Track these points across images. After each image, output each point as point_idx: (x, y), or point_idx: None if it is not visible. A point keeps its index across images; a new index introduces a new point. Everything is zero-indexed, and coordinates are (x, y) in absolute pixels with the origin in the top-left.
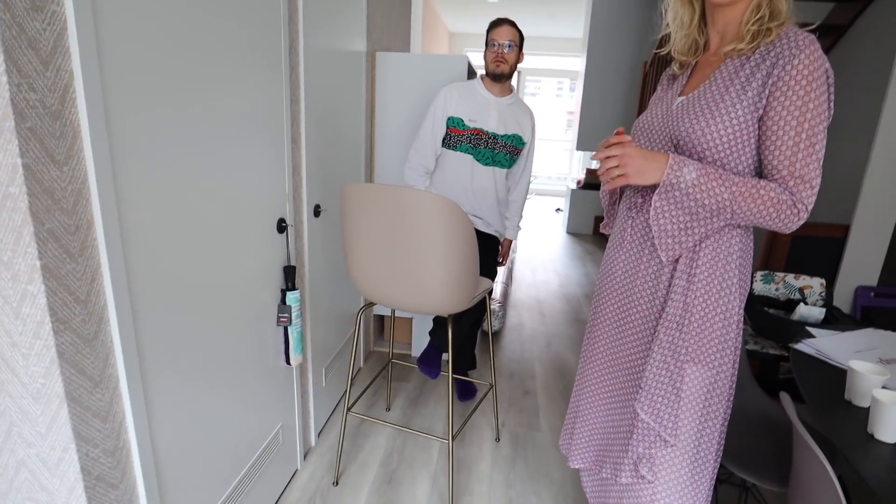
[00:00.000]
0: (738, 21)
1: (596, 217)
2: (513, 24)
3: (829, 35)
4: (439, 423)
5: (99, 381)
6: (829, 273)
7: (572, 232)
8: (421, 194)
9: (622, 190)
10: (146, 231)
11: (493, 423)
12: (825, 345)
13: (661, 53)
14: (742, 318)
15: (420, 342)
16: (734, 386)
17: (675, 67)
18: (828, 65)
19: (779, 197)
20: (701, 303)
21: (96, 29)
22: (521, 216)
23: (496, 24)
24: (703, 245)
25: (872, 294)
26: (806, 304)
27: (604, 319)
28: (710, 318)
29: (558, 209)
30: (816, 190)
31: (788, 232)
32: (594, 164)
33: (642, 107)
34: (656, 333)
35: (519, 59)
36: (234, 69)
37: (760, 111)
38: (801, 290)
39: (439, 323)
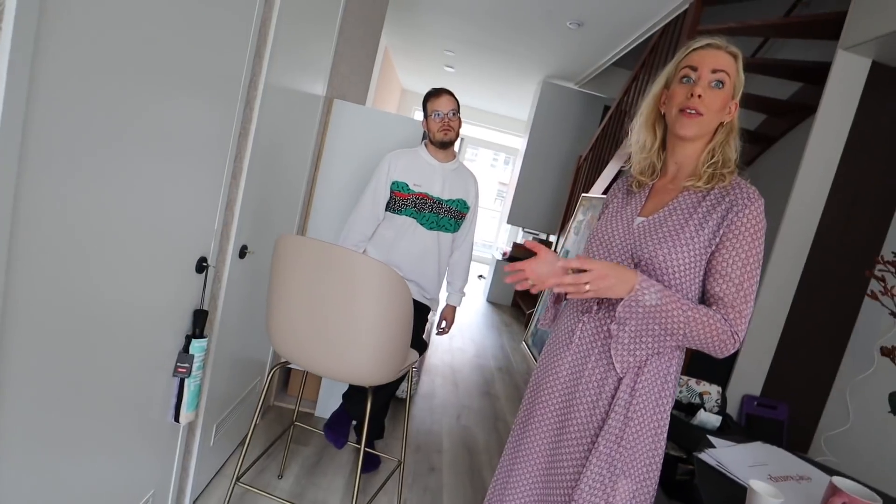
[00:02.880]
0: (695, 157)
1: (516, 291)
2: (451, 94)
3: (759, 142)
4: (335, 497)
5: None
6: (722, 379)
7: (492, 301)
8: (362, 258)
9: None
10: (36, 251)
11: (395, 501)
12: (724, 457)
13: (624, 169)
14: (666, 435)
15: (327, 401)
16: (654, 497)
17: (633, 185)
18: (765, 218)
19: (721, 327)
20: (639, 418)
21: (38, 26)
22: (465, 280)
23: (437, 94)
24: (647, 362)
25: (756, 403)
26: (705, 409)
27: (543, 418)
28: (644, 432)
29: (481, 276)
30: (747, 323)
31: (720, 357)
32: (520, 239)
33: (573, 196)
34: (596, 444)
35: (460, 124)
36: (186, 90)
37: (713, 247)
38: (700, 396)
39: (356, 389)
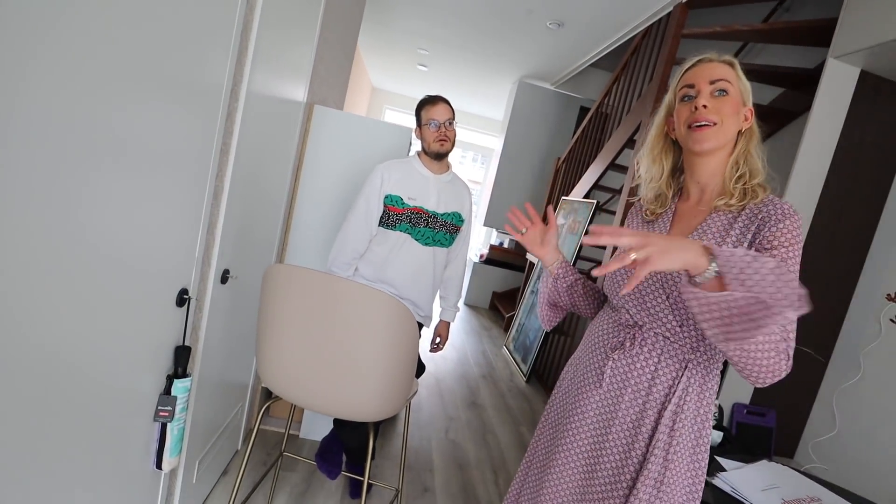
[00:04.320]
0: (719, 174)
1: (494, 292)
2: (447, 101)
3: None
4: None
5: None
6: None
7: (470, 304)
8: (365, 290)
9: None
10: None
11: None
12: (737, 480)
13: (632, 201)
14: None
15: (313, 423)
16: None
17: (646, 214)
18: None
19: (779, 344)
20: (680, 459)
21: None
22: (459, 295)
23: (433, 102)
24: (685, 400)
25: (745, 411)
26: None
27: (569, 461)
28: (684, 475)
29: None
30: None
31: (763, 384)
32: (494, 241)
33: (551, 199)
34: (635, 490)
35: (456, 133)
36: (163, 101)
37: None
38: None
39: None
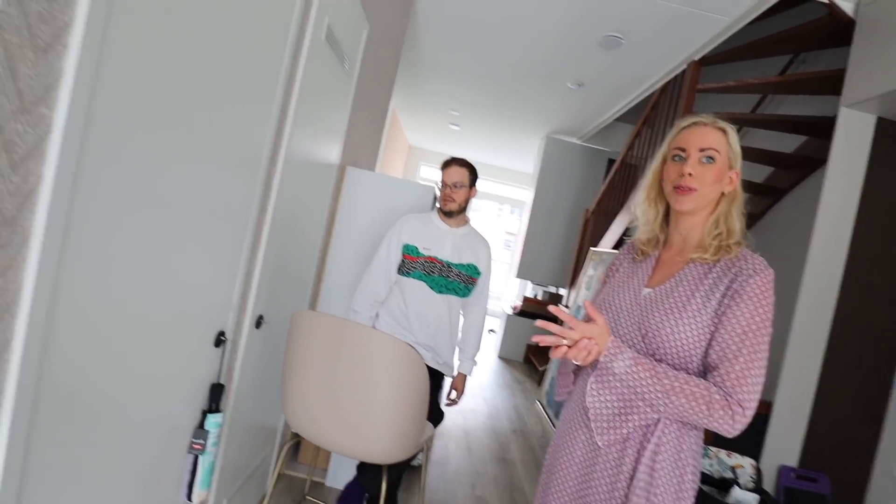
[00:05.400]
0: (699, 229)
1: (528, 345)
2: (463, 163)
3: (769, 194)
4: None
5: None
6: (753, 449)
7: (504, 357)
8: (374, 333)
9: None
10: (68, 343)
11: None
12: None
13: (630, 239)
14: None
15: (338, 470)
16: None
17: (637, 254)
18: (773, 290)
19: (711, 396)
20: (661, 499)
21: (83, 138)
22: (477, 348)
23: (446, 164)
24: (663, 441)
25: (794, 475)
26: (739, 485)
27: (560, 498)
28: None
29: (492, 330)
30: (755, 396)
31: (730, 435)
32: (529, 293)
33: (581, 249)
34: None
35: (470, 194)
36: (209, 169)
37: (717, 319)
38: (733, 469)
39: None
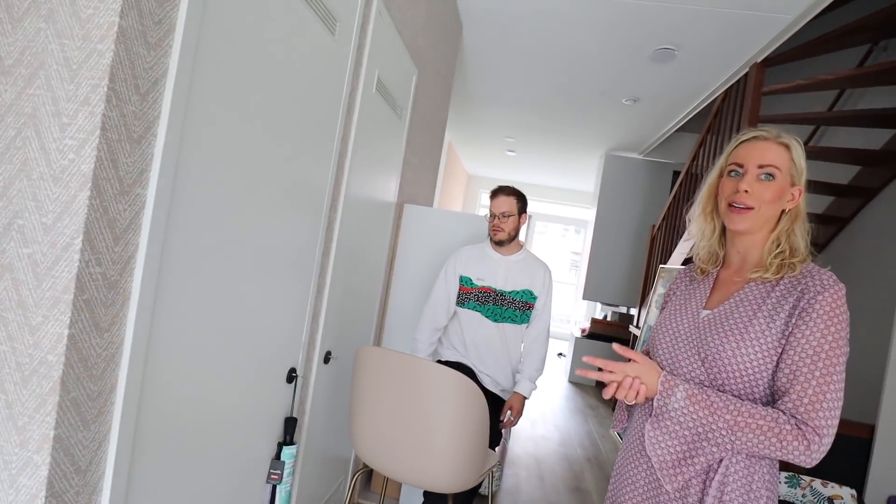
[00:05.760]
0: (759, 247)
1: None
2: (510, 192)
3: (831, 224)
4: None
5: None
6: (855, 476)
7: (575, 381)
8: (438, 368)
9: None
10: (162, 388)
11: None
12: None
13: (690, 256)
14: None
15: (410, 497)
16: None
17: (696, 272)
18: (846, 306)
19: (781, 427)
20: None
21: (169, 209)
22: (536, 368)
23: (494, 194)
24: (731, 471)
25: None
26: None
27: None
28: None
29: (561, 353)
30: (833, 422)
31: (807, 465)
32: (599, 314)
33: (650, 267)
34: None
35: (521, 221)
36: (280, 216)
37: (784, 340)
38: (830, 500)
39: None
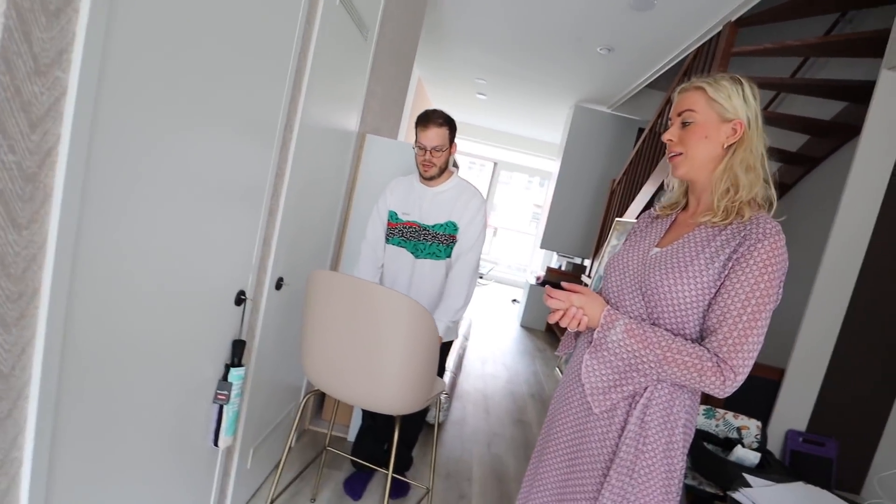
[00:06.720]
0: (709, 190)
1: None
2: (442, 122)
3: (802, 163)
4: None
5: None
6: (763, 413)
7: (526, 326)
8: (392, 294)
9: None
10: (95, 294)
11: None
12: (761, 497)
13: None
14: (683, 474)
15: (358, 425)
16: None
17: (659, 211)
18: (786, 255)
19: (703, 363)
20: (651, 451)
21: (97, 93)
22: (454, 309)
23: (424, 124)
24: (654, 396)
25: (801, 439)
26: (743, 445)
27: (555, 451)
28: (657, 466)
29: (514, 300)
30: (749, 363)
31: (719, 396)
32: (554, 263)
33: (606, 220)
34: (608, 478)
35: (451, 152)
36: (226, 132)
37: (719, 282)
38: (738, 430)
39: (367, 430)
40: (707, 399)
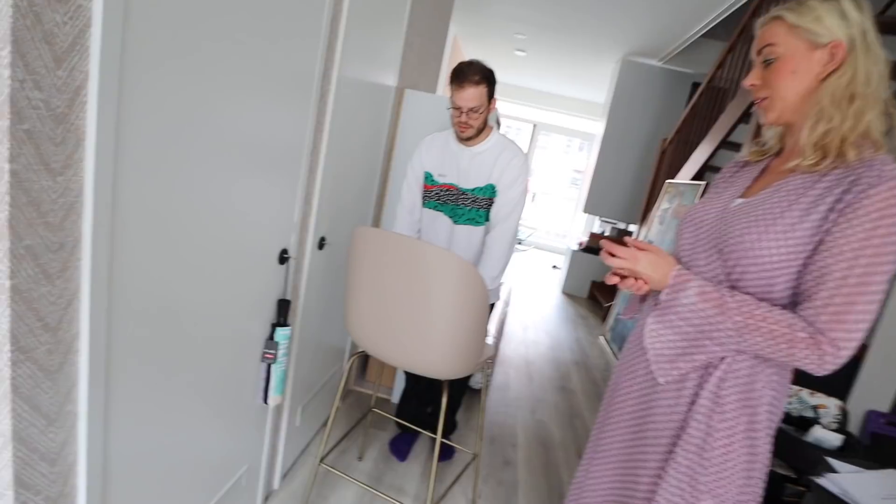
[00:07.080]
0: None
1: (592, 282)
2: (480, 78)
3: None
4: (412, 483)
5: (54, 420)
6: (841, 391)
7: (568, 293)
8: (443, 252)
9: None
10: (137, 250)
11: (469, 494)
12: (850, 484)
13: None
14: (769, 461)
15: (402, 387)
16: None
17: (747, 154)
18: None
19: (794, 333)
20: (727, 430)
21: (123, 29)
22: (491, 277)
23: (458, 82)
24: (733, 368)
25: (884, 421)
26: (821, 425)
27: (618, 422)
28: (735, 448)
29: (555, 266)
30: (857, 335)
31: (817, 374)
32: (597, 228)
33: (656, 182)
34: (673, 454)
35: (490, 109)
36: (261, 89)
37: (818, 238)
38: (815, 409)
39: (411, 392)
40: None
